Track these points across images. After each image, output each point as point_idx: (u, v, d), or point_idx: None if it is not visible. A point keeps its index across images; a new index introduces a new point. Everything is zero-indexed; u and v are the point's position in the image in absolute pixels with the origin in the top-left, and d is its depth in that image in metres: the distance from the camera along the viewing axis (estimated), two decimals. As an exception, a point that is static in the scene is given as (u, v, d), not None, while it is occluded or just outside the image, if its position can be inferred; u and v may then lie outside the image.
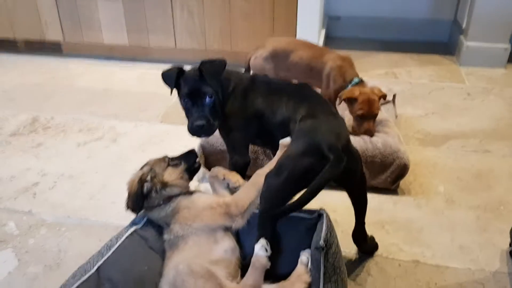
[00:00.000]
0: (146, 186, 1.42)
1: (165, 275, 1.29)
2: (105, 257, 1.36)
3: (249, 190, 1.39)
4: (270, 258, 1.30)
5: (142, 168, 1.49)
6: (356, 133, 2.02)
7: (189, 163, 1.55)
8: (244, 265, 1.38)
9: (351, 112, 2.05)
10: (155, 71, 3.21)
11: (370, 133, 2.00)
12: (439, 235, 1.72)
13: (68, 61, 3.41)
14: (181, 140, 2.36)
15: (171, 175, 1.47)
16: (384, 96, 2.05)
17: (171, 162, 1.51)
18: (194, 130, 1.57)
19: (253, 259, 1.29)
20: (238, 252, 1.37)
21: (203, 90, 1.53)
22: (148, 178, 1.43)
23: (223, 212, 1.37)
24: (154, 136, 2.43)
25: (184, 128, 2.49)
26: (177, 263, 1.28)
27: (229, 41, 3.14)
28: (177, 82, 1.57)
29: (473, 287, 1.49)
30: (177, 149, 2.26)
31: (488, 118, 2.54)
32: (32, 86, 3.04)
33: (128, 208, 1.45)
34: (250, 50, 2.34)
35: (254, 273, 1.27)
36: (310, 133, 1.35)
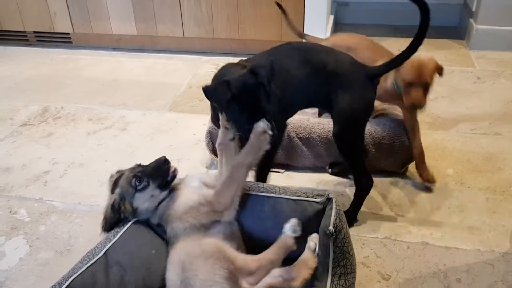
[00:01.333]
0: (122, 213, 1.40)
1: (170, 263, 1.29)
2: (113, 242, 1.37)
3: (230, 185, 1.33)
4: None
5: (113, 188, 1.42)
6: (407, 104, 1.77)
7: (158, 180, 1.39)
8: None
9: (398, 79, 1.78)
10: (164, 60, 3.24)
11: (418, 104, 1.73)
12: (448, 217, 1.71)
13: (77, 52, 3.43)
14: (189, 128, 2.37)
15: (139, 201, 1.39)
16: (440, 69, 1.78)
17: (138, 185, 1.38)
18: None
19: (281, 237, 1.29)
20: (236, 237, 1.37)
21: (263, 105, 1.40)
22: (121, 207, 1.39)
23: (207, 210, 1.33)
24: (163, 124, 2.44)
25: (192, 116, 2.52)
26: (181, 250, 1.28)
27: (237, 29, 3.13)
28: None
29: (482, 268, 1.49)
30: (185, 137, 2.29)
31: (498, 101, 2.51)
32: (42, 77, 3.06)
33: (104, 231, 1.41)
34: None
35: (276, 252, 1.27)
36: (355, 74, 1.52)
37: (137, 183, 1.38)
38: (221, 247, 1.24)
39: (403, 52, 1.50)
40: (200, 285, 1.18)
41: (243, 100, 1.35)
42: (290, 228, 1.29)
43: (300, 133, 1.94)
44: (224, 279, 1.19)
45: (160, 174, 1.40)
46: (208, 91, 1.40)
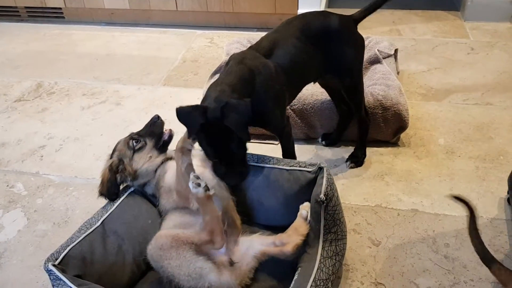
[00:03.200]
0: (120, 176, 1.41)
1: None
2: (109, 212, 1.40)
3: (178, 176, 1.35)
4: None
5: (111, 155, 1.45)
6: None
7: (154, 138, 1.45)
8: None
9: None
10: (157, 34, 3.23)
11: None
12: (438, 185, 1.74)
13: (70, 27, 3.40)
14: (183, 102, 2.34)
15: (138, 162, 1.42)
16: None
17: (136, 144, 1.43)
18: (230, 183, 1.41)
19: (195, 198, 1.27)
20: (230, 209, 1.37)
21: (230, 146, 1.32)
22: (120, 169, 1.41)
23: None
24: (157, 98, 2.45)
25: (186, 90, 2.52)
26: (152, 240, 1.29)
27: (230, 2, 3.11)
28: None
29: (470, 233, 1.52)
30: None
31: (491, 71, 2.52)
32: (35, 53, 3.05)
33: (101, 195, 1.42)
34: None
35: (203, 210, 1.26)
36: (349, 26, 1.64)
37: (134, 143, 1.43)
38: (175, 235, 1.25)
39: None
40: (178, 270, 1.21)
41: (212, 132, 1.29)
42: (193, 186, 1.22)
43: (294, 104, 1.95)
44: (195, 254, 1.22)
45: (155, 132, 1.46)
46: (180, 114, 1.29)
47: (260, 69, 1.41)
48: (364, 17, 1.69)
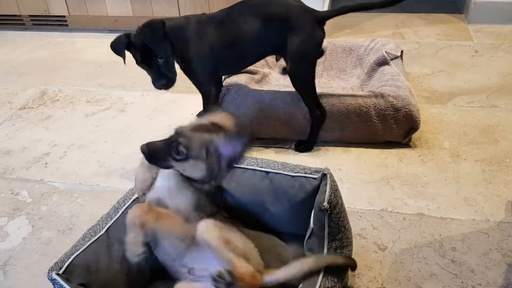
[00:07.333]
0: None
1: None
2: (114, 219, 1.39)
3: None
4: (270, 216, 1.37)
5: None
6: None
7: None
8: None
9: None
10: (160, 40, 3.23)
11: None
12: (444, 188, 1.73)
13: (73, 35, 3.42)
14: (186, 108, 2.38)
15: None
16: None
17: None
18: (159, 88, 1.83)
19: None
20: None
21: (153, 54, 1.73)
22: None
23: None
24: (161, 105, 2.45)
25: (190, 96, 2.52)
26: None
27: (233, 8, 3.11)
28: (128, 49, 1.78)
29: (477, 237, 1.51)
30: (183, 116, 2.30)
31: (496, 74, 2.51)
32: (39, 61, 3.06)
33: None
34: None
35: None
36: (303, 17, 1.75)
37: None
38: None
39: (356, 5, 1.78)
40: None
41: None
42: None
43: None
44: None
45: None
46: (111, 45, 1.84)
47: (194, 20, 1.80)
48: (331, 17, 1.80)
